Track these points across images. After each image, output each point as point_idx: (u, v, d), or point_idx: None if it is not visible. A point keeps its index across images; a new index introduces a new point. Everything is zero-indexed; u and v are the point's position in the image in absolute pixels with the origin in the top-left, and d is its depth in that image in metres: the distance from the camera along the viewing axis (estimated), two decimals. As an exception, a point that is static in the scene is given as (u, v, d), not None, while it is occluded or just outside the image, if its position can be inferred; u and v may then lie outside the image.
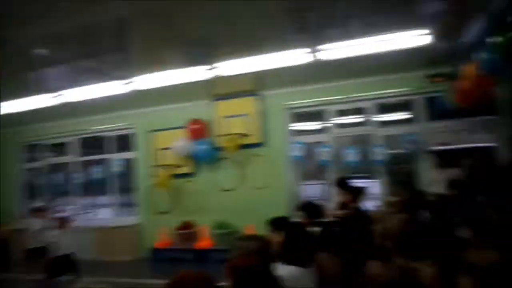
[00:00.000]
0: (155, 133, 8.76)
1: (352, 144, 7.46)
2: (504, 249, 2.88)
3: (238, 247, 2.24)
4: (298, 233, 2.56)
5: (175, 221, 8.35)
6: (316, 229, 3.14)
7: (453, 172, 6.08)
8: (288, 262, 2.48)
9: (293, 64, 6.17)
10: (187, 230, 8.22)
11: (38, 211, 7.36)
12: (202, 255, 7.68)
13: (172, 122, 8.46)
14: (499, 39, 3.45)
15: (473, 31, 4.93)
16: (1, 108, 7.72)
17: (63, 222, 6.15)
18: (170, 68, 6.38)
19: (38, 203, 7.89)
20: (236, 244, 2.30)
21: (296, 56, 5.97)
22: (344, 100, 7.51)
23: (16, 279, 7.00)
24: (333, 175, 7.31)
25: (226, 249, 4.58)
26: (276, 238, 2.71)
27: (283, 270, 2.52)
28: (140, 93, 7.07)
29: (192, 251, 7.82)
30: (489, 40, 3.84)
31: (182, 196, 8.48)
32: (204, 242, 7.88)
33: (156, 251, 8.28)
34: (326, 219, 2.32)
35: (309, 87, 7.58)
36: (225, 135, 7.88)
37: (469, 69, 4.74)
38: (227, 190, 8.07)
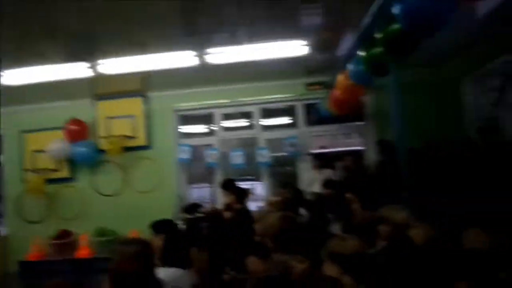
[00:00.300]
0: (27, 134, 7.94)
1: (238, 147, 7.67)
2: (366, 241, 3.23)
3: (118, 251, 2.15)
4: (178, 236, 2.55)
5: (50, 230, 7.65)
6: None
7: (328, 173, 6.63)
8: (169, 264, 2.46)
9: (180, 66, 6.14)
10: (64, 240, 7.59)
11: None
12: (82, 265, 7.17)
13: (48, 122, 7.75)
14: (364, 53, 3.86)
15: (345, 44, 5.43)
16: None
17: None
18: (47, 63, 5.86)
19: None
20: (116, 249, 2.21)
21: (183, 58, 5.95)
22: (231, 104, 7.69)
23: None
24: (220, 177, 7.42)
25: (108, 257, 4.37)
26: (157, 241, 2.67)
27: (164, 272, 2.49)
28: (10, 89, 6.36)
29: (70, 262, 7.26)
30: (358, 53, 4.26)
31: (59, 203, 7.81)
32: (84, 251, 7.37)
33: (26, 264, 7.49)
34: (196, 216, 2.35)
35: (196, 90, 7.59)
36: (108, 136, 7.48)
37: (341, 79, 5.21)
38: (110, 195, 7.66)
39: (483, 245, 2.41)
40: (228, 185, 5.69)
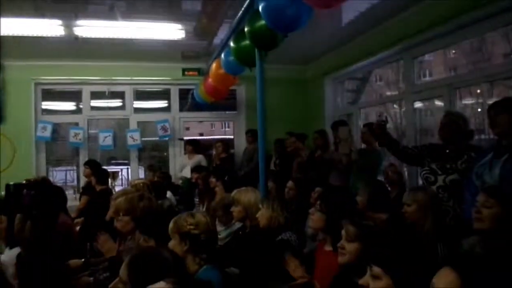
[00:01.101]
0: None
1: (107, 128, 7.35)
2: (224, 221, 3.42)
3: None
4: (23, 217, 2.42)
5: None
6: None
7: (199, 158, 6.78)
8: (12, 245, 2.32)
9: (44, 34, 5.62)
10: None
11: None
12: None
13: None
14: (234, 44, 4.04)
15: (221, 34, 5.58)
16: None
17: None
18: None
19: None
20: None
21: (48, 27, 5.46)
22: (102, 81, 7.30)
23: None
24: (85, 158, 7.03)
25: None
26: (1, 222, 2.49)
27: (6, 255, 2.35)
28: None
29: None
30: (230, 44, 4.43)
31: None
32: None
33: None
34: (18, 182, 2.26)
35: (63, 63, 7.02)
36: (-50, 106, 6.51)
37: (214, 67, 5.36)
38: (-50, 174, 6.69)
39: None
40: (91, 165, 5.49)
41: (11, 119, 6.88)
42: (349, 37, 6.03)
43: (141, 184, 3.98)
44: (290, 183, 4.35)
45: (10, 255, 2.35)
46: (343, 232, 2.07)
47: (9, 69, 6.86)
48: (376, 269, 1.45)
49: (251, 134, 6.85)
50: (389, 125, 5.08)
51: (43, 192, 2.15)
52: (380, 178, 4.57)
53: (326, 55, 7.03)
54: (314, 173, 5.05)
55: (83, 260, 2.96)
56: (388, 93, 12.20)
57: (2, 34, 5.63)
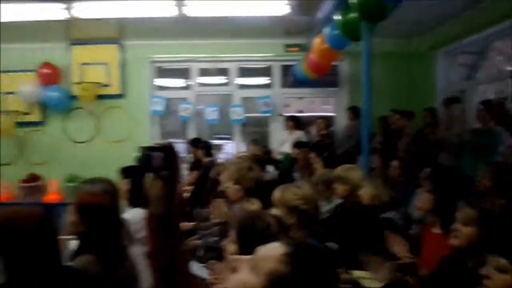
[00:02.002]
0: (-2, 74, 7.72)
1: (213, 103, 7.72)
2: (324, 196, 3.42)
3: (84, 188, 2.26)
4: (142, 179, 2.68)
5: (19, 173, 7.63)
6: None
7: (299, 134, 6.82)
8: (134, 205, 2.60)
9: (158, 15, 6.04)
10: (33, 183, 7.62)
11: None
12: (50, 210, 7.24)
13: (19, 64, 7.53)
14: (339, 17, 3.93)
15: (325, 8, 5.45)
16: None
17: None
18: (21, 1, 5.65)
19: None
20: (82, 186, 2.31)
21: (162, 8, 5.85)
22: (208, 59, 7.65)
23: None
24: (193, 132, 7.50)
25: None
26: (124, 184, 2.78)
27: (129, 213, 2.63)
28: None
29: (38, 206, 7.31)
30: (334, 17, 4.32)
31: (28, 146, 7.76)
32: (53, 196, 7.42)
33: (-5, 205, 7.52)
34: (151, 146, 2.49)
35: (174, 42, 7.49)
36: (81, 83, 7.38)
37: (317, 42, 5.28)
38: (81, 142, 7.65)
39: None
40: (195, 142, 5.84)
41: (129, 94, 7.63)
42: (464, 7, 5.47)
43: (245, 157, 4.14)
44: (395, 162, 4.18)
45: (132, 213, 2.63)
46: (457, 214, 1.94)
47: (129, 48, 7.57)
48: (503, 262, 1.36)
49: (353, 111, 6.69)
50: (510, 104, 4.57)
51: (170, 155, 2.36)
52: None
53: (437, 27, 6.48)
54: (422, 153, 4.78)
55: (192, 224, 3.21)
56: (509, 68, 10.93)
57: (123, 16, 6.22)
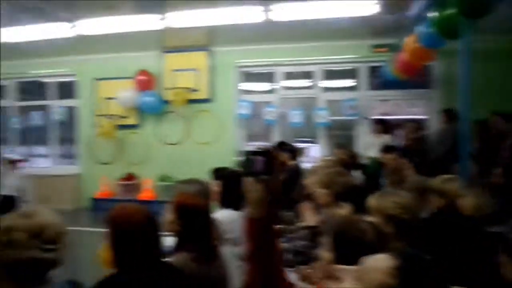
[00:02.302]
0: (100, 81, 8.49)
1: (297, 106, 7.72)
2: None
3: (180, 188, 2.38)
4: (235, 181, 2.74)
5: (117, 172, 8.31)
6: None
7: (387, 139, 6.54)
8: (225, 206, 2.67)
9: (246, 21, 6.20)
10: (129, 182, 8.24)
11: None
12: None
13: (119, 71, 8.22)
14: (436, 15, 3.70)
15: (416, 5, 5.19)
16: None
17: (10, 164, 5.99)
18: (119, 14, 6.16)
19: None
20: (178, 187, 2.44)
21: (249, 14, 6.00)
22: (292, 62, 7.67)
23: None
24: (277, 135, 7.57)
25: (168, 201, 4.69)
26: (216, 186, 2.87)
27: (220, 214, 2.71)
28: (85, 39, 6.78)
29: (134, 202, 7.87)
30: (429, 15, 4.09)
31: (126, 147, 8.42)
32: (146, 194, 7.95)
33: (96, 201, 8.24)
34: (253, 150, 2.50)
35: (259, 47, 7.63)
36: (172, 88, 7.83)
37: (409, 42, 5.03)
38: (172, 144, 8.11)
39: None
40: (281, 145, 5.85)
41: (217, 98, 7.93)
42: None
43: (331, 161, 4.07)
44: (498, 170, 3.82)
45: (223, 214, 2.70)
46: None
47: (217, 54, 7.87)
48: None
49: (447, 114, 6.24)
50: None
51: (270, 160, 2.40)
52: None
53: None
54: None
55: (279, 227, 3.21)
56: None
57: (212, 24, 6.49)
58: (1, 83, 9.33)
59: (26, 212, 1.44)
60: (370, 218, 1.90)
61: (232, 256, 2.48)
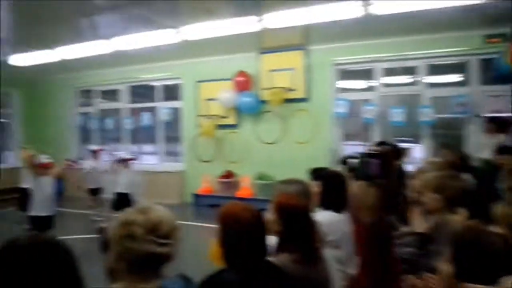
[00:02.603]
0: (201, 83, 8.95)
1: (398, 104, 7.33)
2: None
3: (280, 188, 2.38)
4: (336, 182, 2.67)
5: (217, 170, 8.68)
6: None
7: (502, 138, 5.92)
8: (326, 208, 2.61)
9: (344, 17, 6.03)
10: (229, 179, 8.56)
11: (93, 153, 7.86)
12: (242, 204, 7.98)
13: (218, 73, 8.59)
14: None
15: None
16: (57, 54, 8.11)
17: (123, 163, 6.61)
18: (219, 18, 6.40)
19: (92, 146, 8.37)
20: (279, 186, 2.45)
21: (347, 9, 5.83)
22: (394, 58, 7.30)
23: (71, 214, 7.66)
24: (376, 135, 7.27)
25: (265, 199, 4.77)
26: (315, 186, 2.83)
27: (321, 215, 2.66)
28: (188, 43, 7.18)
29: (232, 199, 8.12)
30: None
31: (225, 146, 8.76)
32: (245, 192, 8.19)
33: (198, 197, 8.70)
34: (369, 151, 2.37)
35: (357, 43, 7.40)
36: (269, 88, 7.95)
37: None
38: (269, 143, 8.24)
39: None
40: (382, 146, 5.60)
41: (313, 97, 7.87)
42: None
43: (439, 163, 3.78)
44: None
45: (323, 216, 2.65)
46: None
47: (313, 53, 7.81)
48: None
49: None
50: None
51: (387, 163, 2.30)
52: None
53: None
54: None
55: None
56: None
57: (308, 22, 6.43)
58: (116, 88, 10.33)
59: (142, 208, 1.53)
60: (495, 228, 1.71)
61: (333, 259, 2.42)
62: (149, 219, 1.46)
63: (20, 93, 10.99)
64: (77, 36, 7.27)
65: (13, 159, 10.19)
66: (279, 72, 7.96)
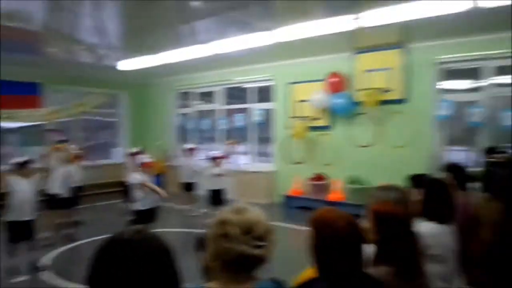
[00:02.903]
0: (294, 85, 8.95)
1: (510, 106, 6.59)
2: None
3: (377, 195, 2.25)
4: (440, 190, 2.46)
5: (308, 172, 8.61)
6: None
7: None
8: (428, 218, 2.42)
9: (447, 12, 5.58)
10: (319, 182, 8.44)
11: (189, 151, 8.31)
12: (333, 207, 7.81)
13: (311, 74, 8.52)
14: None
15: None
16: (160, 59, 8.68)
17: (217, 161, 6.91)
18: (313, 19, 6.31)
19: (189, 145, 8.83)
20: (376, 193, 2.32)
21: (452, 3, 5.38)
22: (505, 55, 6.56)
23: (172, 208, 8.15)
24: (484, 140, 6.62)
25: (357, 204, 4.59)
26: (416, 194, 2.64)
27: (422, 226, 2.47)
28: (281, 45, 7.20)
29: (323, 202, 8.00)
30: None
31: (317, 148, 8.65)
32: (336, 195, 8.00)
33: (289, 198, 8.72)
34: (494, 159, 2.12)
35: (463, 40, 6.80)
36: (364, 89, 7.67)
37: None
38: (363, 146, 7.94)
39: None
40: (492, 151, 5.10)
41: (412, 99, 7.41)
42: None
43: None
44: None
45: (425, 227, 2.45)
46: None
47: (413, 51, 7.35)
48: None
49: None
50: None
51: None
52: None
53: None
54: None
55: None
56: None
57: (407, 19, 6.07)
58: (212, 90, 10.79)
59: (237, 208, 1.53)
60: None
61: (435, 275, 2.23)
62: (245, 219, 1.45)
63: (128, 94, 12.01)
64: (178, 42, 7.70)
65: (120, 155, 11.10)
66: (375, 72, 7.64)
